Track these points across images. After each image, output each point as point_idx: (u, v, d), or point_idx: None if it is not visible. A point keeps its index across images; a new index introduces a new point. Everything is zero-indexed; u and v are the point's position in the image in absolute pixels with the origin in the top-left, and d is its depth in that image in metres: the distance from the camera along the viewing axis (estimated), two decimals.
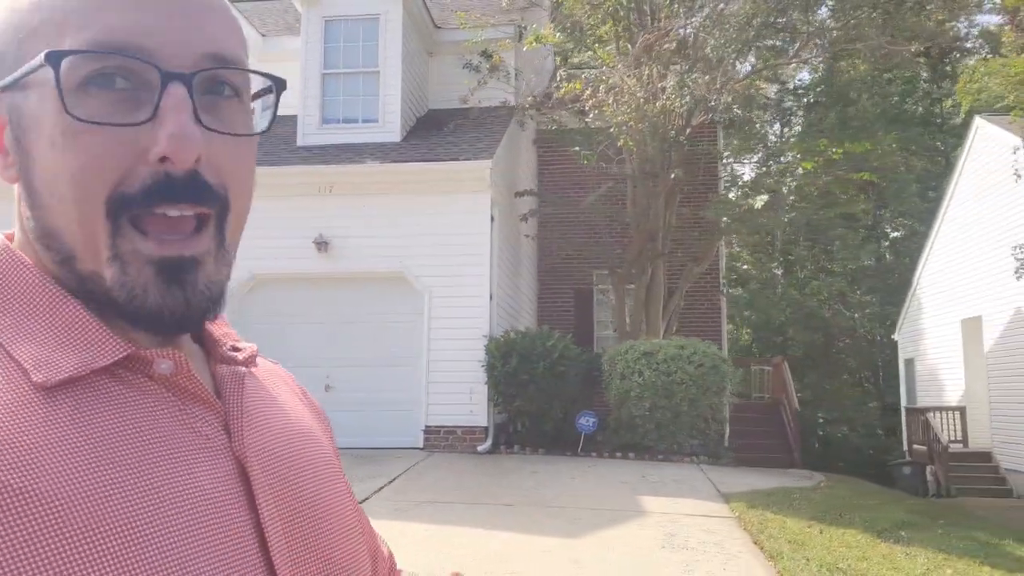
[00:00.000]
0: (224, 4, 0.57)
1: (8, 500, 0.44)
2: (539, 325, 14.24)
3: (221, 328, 0.65)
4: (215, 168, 0.53)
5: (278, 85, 0.58)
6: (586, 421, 8.65)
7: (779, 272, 26.97)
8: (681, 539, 5.05)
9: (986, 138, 15.02)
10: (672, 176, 9.85)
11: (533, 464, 7.78)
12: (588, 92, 9.35)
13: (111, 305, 0.54)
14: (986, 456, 15.16)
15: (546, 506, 5.84)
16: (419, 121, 10.45)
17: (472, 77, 10.64)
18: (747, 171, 23.20)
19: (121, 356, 0.53)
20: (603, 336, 13.93)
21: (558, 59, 10.48)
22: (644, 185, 11.19)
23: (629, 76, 9.18)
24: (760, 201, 9.81)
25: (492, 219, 8.84)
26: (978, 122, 15.58)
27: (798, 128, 27.67)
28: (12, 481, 0.45)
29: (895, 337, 20.63)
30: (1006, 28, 16.08)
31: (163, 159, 0.51)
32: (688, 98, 9.45)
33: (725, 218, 11.97)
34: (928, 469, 15.34)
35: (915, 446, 16.39)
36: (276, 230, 8.90)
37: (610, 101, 9.13)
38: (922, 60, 20.71)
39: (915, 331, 19.05)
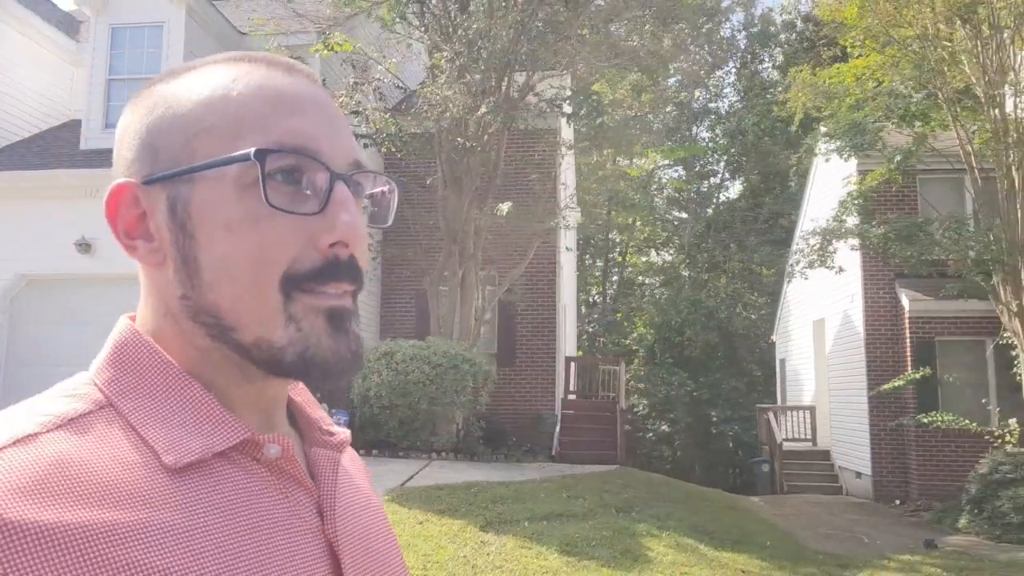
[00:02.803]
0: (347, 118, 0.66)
1: None
2: (382, 327, 14.56)
3: (315, 411, 0.70)
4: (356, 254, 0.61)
5: (399, 186, 0.68)
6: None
7: (685, 274, 27.37)
8: None
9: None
10: (428, 179, 10.10)
11: None
12: (343, 99, 9.63)
13: (274, 365, 0.58)
14: (826, 454, 15.57)
15: None
16: None
17: None
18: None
19: (238, 441, 0.58)
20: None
21: (352, 68, 10.72)
22: (453, 190, 11.51)
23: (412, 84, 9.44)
24: (505, 207, 10.06)
25: None
26: (824, 128, 15.97)
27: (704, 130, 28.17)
28: (151, 561, 0.50)
29: (773, 338, 21.06)
30: None
31: (333, 244, 0.58)
32: (459, 107, 9.75)
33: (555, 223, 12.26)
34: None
35: (763, 444, 16.79)
36: (45, 232, 9.15)
37: (368, 108, 9.41)
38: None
39: (786, 331, 19.48)
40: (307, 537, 0.59)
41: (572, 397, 15.46)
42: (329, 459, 0.65)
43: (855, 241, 10.42)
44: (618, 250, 29.55)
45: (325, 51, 10.46)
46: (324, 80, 11.22)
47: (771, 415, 16.08)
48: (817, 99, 12.46)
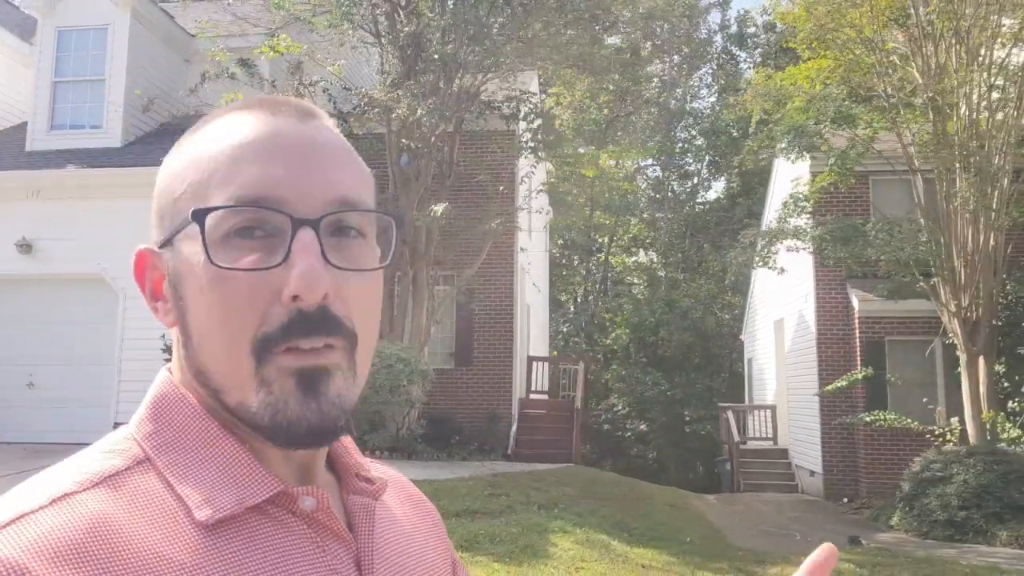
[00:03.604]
0: (349, 153, 0.63)
1: None
2: None
3: (353, 456, 0.69)
4: (343, 301, 0.58)
5: (397, 222, 0.64)
6: None
7: (661, 274, 27.52)
8: None
9: None
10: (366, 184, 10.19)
11: None
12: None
13: (257, 430, 0.58)
14: (784, 453, 15.71)
15: None
16: (163, 127, 10.79)
17: (231, 86, 10.98)
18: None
19: (272, 494, 0.58)
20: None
21: (297, 71, 10.83)
22: (402, 190, 11.64)
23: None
24: (440, 208, 10.17)
25: None
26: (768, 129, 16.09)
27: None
28: None
29: (742, 337, 21.19)
30: None
31: (295, 297, 0.56)
32: (405, 108, 9.86)
33: (497, 223, 12.38)
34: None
35: (724, 443, 16.93)
36: None
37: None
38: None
39: (752, 331, 19.62)
40: None
41: (537, 396, 15.53)
42: (365, 508, 0.64)
43: (794, 242, 10.54)
44: (602, 250, 29.60)
45: (271, 53, 10.56)
46: (274, 82, 11.32)
47: (730, 414, 16.23)
48: (766, 102, 12.57)
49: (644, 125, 27.31)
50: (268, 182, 0.57)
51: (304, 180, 0.58)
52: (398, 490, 0.73)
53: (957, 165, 10.19)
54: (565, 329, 26.29)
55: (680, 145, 27.30)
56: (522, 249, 13.71)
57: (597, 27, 9.66)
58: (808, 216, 10.90)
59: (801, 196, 11.02)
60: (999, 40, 10.22)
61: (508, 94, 11.43)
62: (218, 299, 0.56)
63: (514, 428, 13.88)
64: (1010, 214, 9.85)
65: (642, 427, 25.63)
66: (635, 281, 30.23)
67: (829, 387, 11.80)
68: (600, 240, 29.50)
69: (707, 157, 27.60)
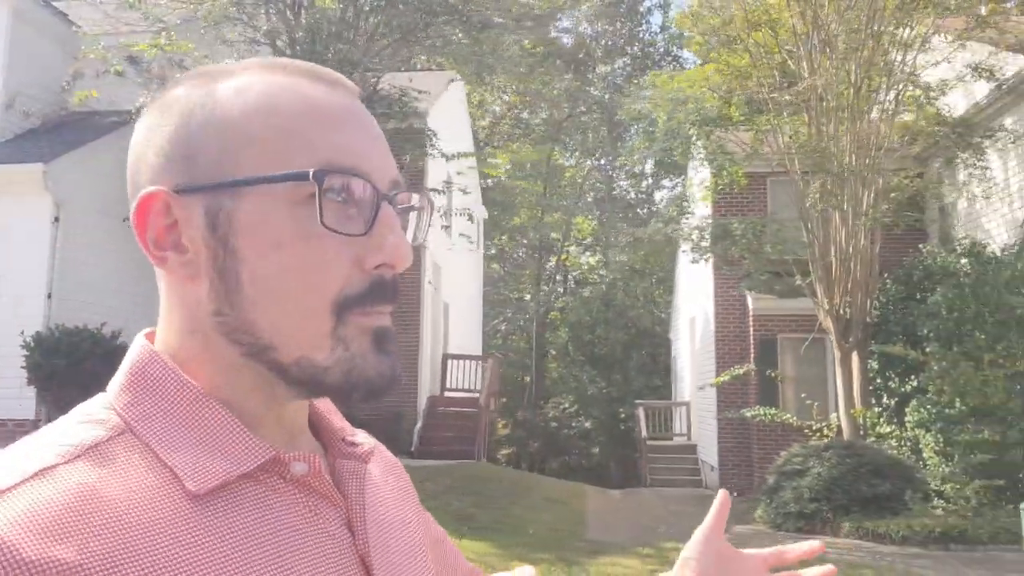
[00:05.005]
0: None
1: None
2: None
3: (338, 420, 0.69)
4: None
5: (431, 204, 0.67)
6: None
7: (603, 273, 27.76)
8: None
9: None
10: None
11: None
12: (147, 101, 9.79)
13: (315, 386, 0.57)
14: (694, 448, 15.98)
15: None
16: (45, 124, 10.81)
17: (117, 83, 11.00)
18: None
19: (263, 461, 0.56)
20: None
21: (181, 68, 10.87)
22: None
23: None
24: None
25: (57, 220, 9.26)
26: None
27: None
28: None
29: (669, 336, 21.47)
30: None
31: (379, 266, 0.57)
32: None
33: None
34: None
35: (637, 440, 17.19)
36: None
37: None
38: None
39: (676, 329, 19.88)
40: (338, 554, 0.58)
41: (455, 395, 15.60)
42: (355, 472, 0.63)
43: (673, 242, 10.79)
44: (556, 249, 29.70)
45: (153, 51, 10.61)
46: (163, 80, 11.36)
47: (641, 411, 16.47)
48: (666, 105, 12.79)
49: (592, 126, 27.49)
50: (356, 152, 0.58)
51: (376, 156, 0.60)
52: (377, 456, 0.71)
53: (829, 166, 10.46)
54: (503, 327, 26.41)
55: (622, 145, 27.51)
56: (424, 246, 13.82)
57: (469, 28, 9.78)
58: (689, 216, 11.12)
59: (684, 197, 11.25)
60: (868, 44, 10.49)
61: (385, 93, 11.51)
62: (305, 256, 0.56)
63: (419, 426, 14.00)
64: (872, 216, 10.11)
65: (587, 425, 25.86)
66: (597, 279, 30.44)
67: (713, 381, 12.06)
68: (556, 239, 29.65)
69: (648, 159, 27.84)
